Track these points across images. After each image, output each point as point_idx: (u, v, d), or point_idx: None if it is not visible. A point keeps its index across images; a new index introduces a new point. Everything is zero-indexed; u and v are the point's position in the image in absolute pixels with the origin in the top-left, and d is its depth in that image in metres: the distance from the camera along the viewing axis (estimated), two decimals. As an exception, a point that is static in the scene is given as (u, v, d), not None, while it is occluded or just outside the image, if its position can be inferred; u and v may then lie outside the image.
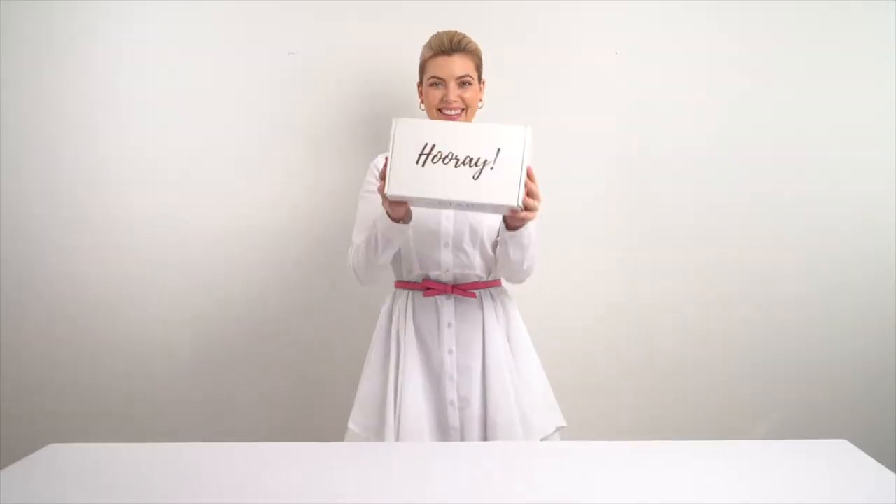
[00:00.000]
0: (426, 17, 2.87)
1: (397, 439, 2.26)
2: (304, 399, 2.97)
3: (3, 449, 2.78)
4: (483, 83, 2.41)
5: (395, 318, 2.37)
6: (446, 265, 2.33)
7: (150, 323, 2.96)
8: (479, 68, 2.38)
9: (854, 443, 2.03)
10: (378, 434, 2.32)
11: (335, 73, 2.91)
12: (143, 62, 2.92)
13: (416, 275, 2.36)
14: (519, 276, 2.30)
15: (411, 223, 2.26)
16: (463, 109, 2.33)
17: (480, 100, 2.39)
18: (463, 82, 2.33)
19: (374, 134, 2.87)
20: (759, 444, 2.05)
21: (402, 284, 2.39)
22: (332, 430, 2.54)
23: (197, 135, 2.93)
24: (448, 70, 2.32)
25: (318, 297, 2.94)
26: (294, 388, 2.96)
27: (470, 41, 2.37)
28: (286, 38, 2.90)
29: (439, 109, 2.33)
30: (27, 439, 2.51)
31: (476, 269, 2.35)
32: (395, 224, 2.18)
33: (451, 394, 2.31)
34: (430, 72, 2.34)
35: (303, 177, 2.92)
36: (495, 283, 2.40)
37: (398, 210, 2.14)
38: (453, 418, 2.30)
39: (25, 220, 2.94)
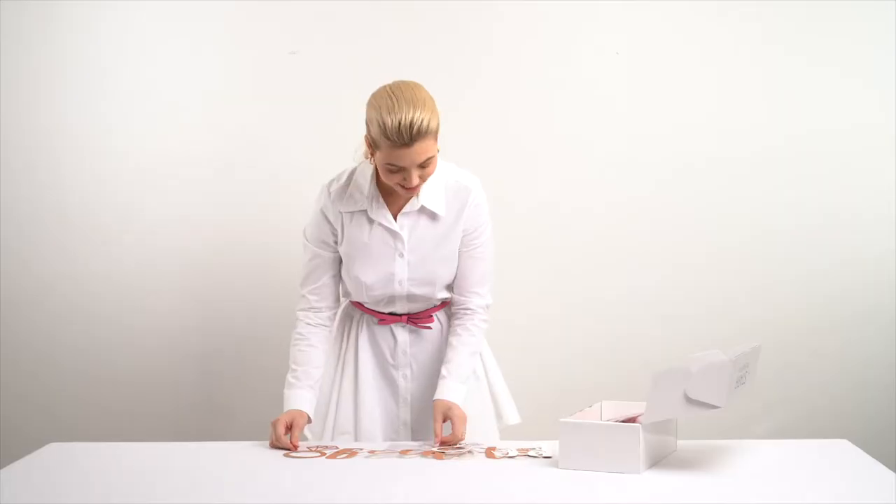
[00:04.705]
0: (427, 18, 2.87)
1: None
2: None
3: (3, 448, 2.78)
4: (437, 144, 2.11)
5: (350, 330, 2.30)
6: (401, 308, 2.26)
7: (151, 323, 2.96)
8: (437, 137, 2.09)
9: (854, 443, 2.03)
10: (319, 439, 2.27)
11: (335, 73, 2.91)
12: (142, 62, 2.93)
13: (369, 307, 2.28)
14: None
15: (364, 293, 2.22)
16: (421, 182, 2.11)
17: (437, 150, 2.10)
18: (422, 165, 2.07)
19: (374, 134, 2.87)
20: (759, 444, 2.05)
21: (356, 304, 2.30)
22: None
23: (197, 134, 2.93)
24: (409, 160, 2.04)
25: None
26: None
27: (428, 120, 2.03)
28: (286, 38, 2.90)
29: (399, 185, 2.10)
30: (28, 438, 2.51)
31: (431, 303, 2.27)
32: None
33: (405, 415, 2.27)
34: (386, 158, 2.05)
35: (302, 176, 2.92)
36: (449, 300, 2.31)
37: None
38: (404, 438, 2.26)
39: (26, 220, 2.94)
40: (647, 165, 2.93)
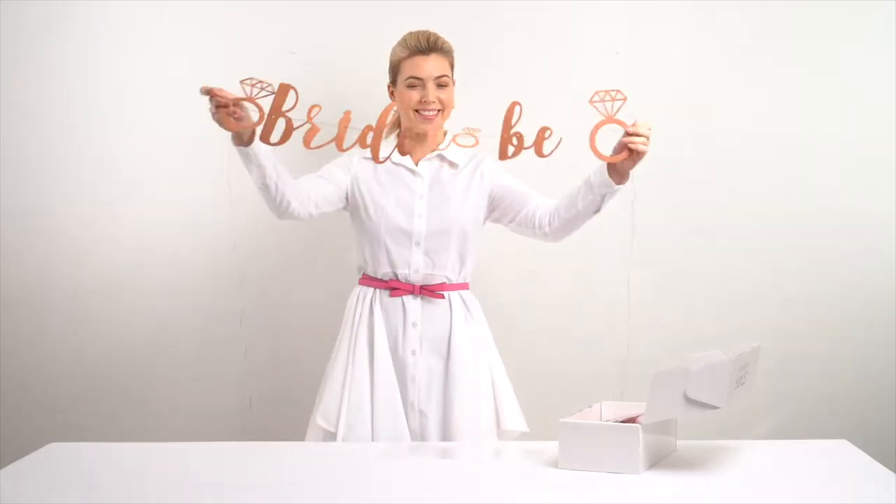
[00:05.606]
0: (427, 17, 2.85)
1: (372, 439, 2.26)
2: (306, 398, 2.96)
3: (3, 448, 2.79)
4: (454, 83, 2.38)
5: (360, 315, 2.34)
6: (416, 265, 2.32)
7: (151, 322, 2.96)
8: (452, 68, 2.37)
9: (854, 443, 2.03)
10: (335, 421, 2.30)
11: (335, 73, 2.91)
12: (141, 61, 2.93)
13: (383, 272, 2.34)
14: (572, 229, 2.33)
15: (383, 223, 2.31)
16: (440, 111, 2.32)
17: (454, 82, 2.38)
18: (440, 83, 2.32)
19: (374, 134, 2.87)
20: (758, 444, 2.06)
21: (368, 280, 2.37)
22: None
23: (196, 134, 2.93)
24: (426, 70, 2.30)
25: (317, 296, 2.94)
26: (295, 386, 2.96)
27: (445, 41, 2.35)
28: (286, 38, 2.90)
29: (416, 111, 2.32)
30: (27, 438, 2.51)
31: (447, 269, 2.33)
32: (237, 147, 2.20)
33: (413, 396, 2.30)
34: (406, 72, 2.32)
35: (300, 175, 2.92)
36: (463, 286, 2.38)
37: (238, 135, 2.16)
38: (413, 421, 2.30)
39: (25, 220, 2.94)
40: (644, 167, 2.92)
